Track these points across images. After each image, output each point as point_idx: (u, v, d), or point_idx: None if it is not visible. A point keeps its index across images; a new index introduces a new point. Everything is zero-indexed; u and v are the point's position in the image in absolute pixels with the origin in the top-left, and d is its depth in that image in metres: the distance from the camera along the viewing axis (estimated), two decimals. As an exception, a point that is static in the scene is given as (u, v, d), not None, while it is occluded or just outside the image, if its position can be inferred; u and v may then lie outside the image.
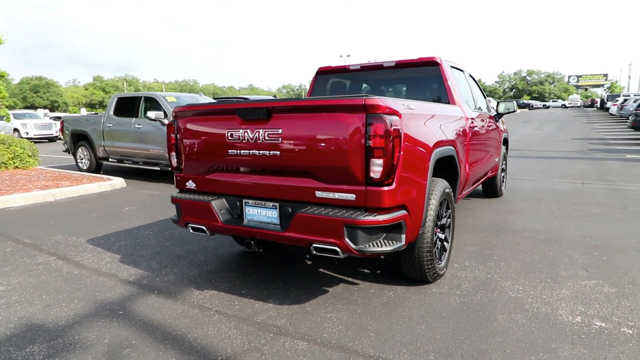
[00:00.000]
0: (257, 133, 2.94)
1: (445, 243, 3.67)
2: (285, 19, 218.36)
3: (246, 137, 3.00)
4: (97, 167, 10.64)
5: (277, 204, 3.02)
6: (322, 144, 2.73)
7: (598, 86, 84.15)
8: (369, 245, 2.67)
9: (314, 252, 2.80)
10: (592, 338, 2.66)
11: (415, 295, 3.32)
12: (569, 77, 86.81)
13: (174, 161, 3.54)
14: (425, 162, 3.05)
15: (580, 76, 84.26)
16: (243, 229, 3.13)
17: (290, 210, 2.96)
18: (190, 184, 3.47)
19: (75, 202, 7.27)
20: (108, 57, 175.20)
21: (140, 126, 9.31)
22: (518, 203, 6.45)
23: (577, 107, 62.73)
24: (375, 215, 2.64)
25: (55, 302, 3.31)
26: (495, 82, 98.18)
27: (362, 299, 3.27)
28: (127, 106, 9.85)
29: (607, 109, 37.54)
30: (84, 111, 57.19)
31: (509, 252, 4.24)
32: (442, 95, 4.30)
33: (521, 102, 64.08)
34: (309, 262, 4.10)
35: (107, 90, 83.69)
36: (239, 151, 3.07)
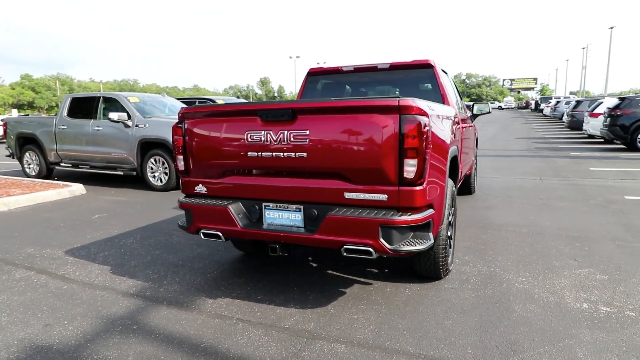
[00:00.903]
0: (282, 134, 2.88)
1: (450, 240, 3.79)
2: (230, 18, 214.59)
3: (269, 139, 2.92)
4: (48, 172, 9.88)
5: (302, 207, 2.98)
6: (354, 145, 2.72)
7: (529, 89, 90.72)
8: (402, 245, 2.70)
9: (345, 253, 2.79)
10: (604, 322, 2.87)
11: (431, 291, 3.40)
12: (504, 80, 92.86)
13: (181, 165, 3.37)
14: (445, 161, 3.14)
15: (514, 79, 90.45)
16: (265, 233, 3.04)
17: (316, 212, 2.93)
18: (201, 189, 3.33)
19: (34, 211, 6.69)
20: (36, 55, 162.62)
21: (100, 128, 8.76)
22: (491, 199, 6.80)
23: (512, 108, 67.11)
24: (409, 215, 2.68)
25: (55, 321, 3.04)
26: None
27: (382, 298, 3.30)
28: (83, 107, 9.23)
29: (541, 110, 40.50)
30: (15, 112, 52.66)
31: (501, 246, 4.45)
32: (437, 96, 4.44)
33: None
34: (314, 265, 4.06)
35: (38, 90, 77.61)
36: (259, 153, 2.98)
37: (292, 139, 2.86)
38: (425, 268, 3.46)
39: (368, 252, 2.72)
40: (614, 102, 13.15)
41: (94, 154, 8.91)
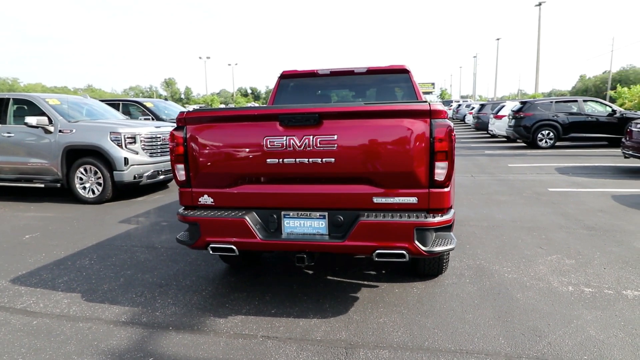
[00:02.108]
0: (307, 140, 2.77)
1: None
2: (130, 15, 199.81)
3: (292, 145, 2.80)
4: (-61, 188, 8.30)
5: (326, 214, 2.90)
6: (384, 150, 2.72)
7: (428, 93, 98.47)
8: (434, 246, 2.77)
9: (376, 258, 2.78)
10: (593, 302, 3.24)
11: (436, 288, 3.53)
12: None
13: (181, 174, 3.08)
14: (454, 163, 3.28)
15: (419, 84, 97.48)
16: (289, 243, 2.90)
17: (341, 218, 2.87)
18: (206, 200, 3.07)
19: (-60, 235, 5.59)
20: None
21: (11, 135, 7.61)
22: (440, 197, 7.24)
23: None
24: (441, 216, 2.76)
25: (45, 364, 2.58)
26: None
27: (395, 299, 3.35)
28: (-13, 110, 7.92)
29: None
30: None
31: (474, 240, 4.78)
32: (412, 99, 4.62)
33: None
34: (309, 272, 3.98)
35: None
36: (280, 160, 2.84)
37: (318, 145, 2.77)
38: (429, 267, 3.59)
39: (401, 255, 2.74)
40: (516, 105, 14.83)
41: (2, 165, 7.70)
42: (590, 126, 13.61)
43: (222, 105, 64.60)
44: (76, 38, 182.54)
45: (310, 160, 2.80)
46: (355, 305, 3.26)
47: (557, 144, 14.08)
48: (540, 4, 35.48)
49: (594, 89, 76.39)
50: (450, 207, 2.89)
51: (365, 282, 3.70)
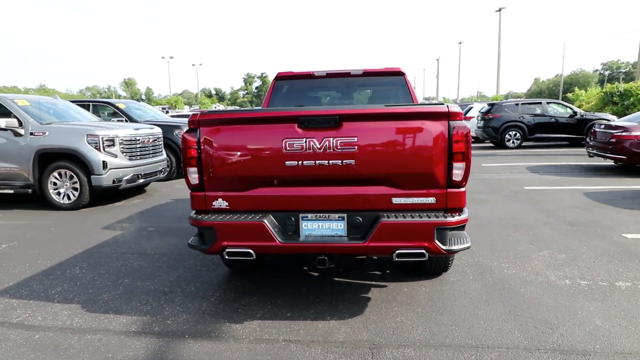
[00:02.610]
0: (327, 142, 2.78)
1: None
2: (86, 12, 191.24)
3: (312, 147, 2.79)
4: None
5: (345, 215, 2.91)
6: (404, 151, 2.77)
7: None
8: (452, 244, 2.85)
9: (396, 258, 2.82)
10: (591, 293, 3.42)
11: (443, 286, 3.62)
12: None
13: (194, 178, 3.00)
14: None
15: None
16: (309, 246, 2.89)
17: (360, 219, 2.89)
18: (220, 203, 3.00)
19: None
20: None
21: (-24, 138, 7.13)
22: (424, 196, 7.41)
23: None
24: (459, 215, 2.84)
25: (60, 379, 2.44)
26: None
27: (407, 297, 3.41)
28: (-53, 112, 7.39)
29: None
30: None
31: (467, 238, 4.92)
32: (408, 101, 4.71)
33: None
34: (314, 274, 3.98)
35: None
36: (299, 162, 2.82)
37: (339, 146, 2.77)
38: (436, 265, 3.67)
39: (421, 255, 2.79)
40: (484, 107, 15.39)
41: (-34, 170, 7.21)
42: (553, 127, 14.33)
43: (187, 107, 63.07)
44: (25, 35, 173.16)
45: (331, 162, 2.80)
46: (370, 306, 3.29)
47: (523, 144, 14.73)
48: (500, 10, 37.05)
49: (547, 92, 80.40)
50: (464, 207, 2.97)
51: (373, 282, 3.74)
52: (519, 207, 6.43)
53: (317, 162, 2.81)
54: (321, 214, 2.94)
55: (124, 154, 7.31)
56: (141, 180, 7.67)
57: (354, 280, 3.79)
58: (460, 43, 55.75)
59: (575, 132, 14.15)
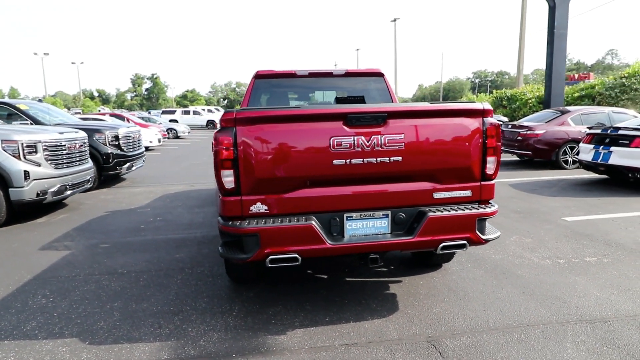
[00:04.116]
0: (376, 139, 2.76)
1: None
2: None
3: (360, 144, 2.75)
4: None
5: (389, 212, 2.92)
6: (445, 146, 2.87)
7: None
8: (488, 234, 3.03)
9: (440, 251, 2.91)
10: (574, 269, 3.91)
11: (451, 275, 3.83)
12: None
13: (229, 181, 2.74)
14: None
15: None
16: (356, 246, 2.83)
17: (403, 216, 2.93)
18: (259, 208, 2.79)
19: None
20: None
21: None
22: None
23: None
24: (492, 207, 3.03)
25: None
26: (209, 91, 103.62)
27: (429, 290, 3.53)
28: None
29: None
30: None
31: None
32: (388, 101, 4.87)
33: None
34: (324, 276, 3.91)
35: None
36: (347, 160, 2.76)
37: (387, 143, 2.78)
38: (444, 256, 3.86)
39: (463, 246, 2.93)
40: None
41: None
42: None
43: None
44: None
45: (379, 159, 2.79)
46: (400, 301, 3.34)
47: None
48: (395, 20, 40.04)
49: (429, 97, 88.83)
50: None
51: (386, 279, 3.79)
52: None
53: (365, 160, 2.78)
54: (365, 213, 2.90)
55: (49, 162, 6.32)
56: (69, 192, 6.70)
57: (367, 279, 3.81)
58: (357, 50, 58.80)
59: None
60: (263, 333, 2.90)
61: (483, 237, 2.95)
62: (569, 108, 10.95)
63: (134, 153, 9.67)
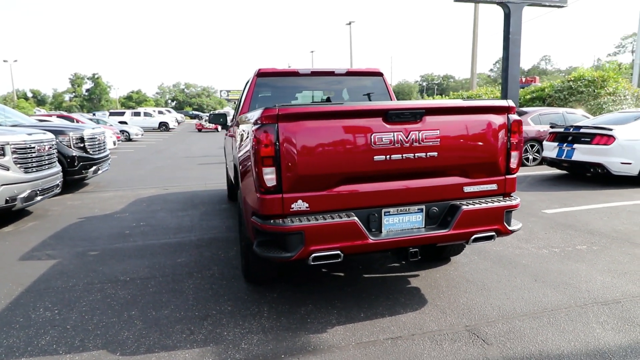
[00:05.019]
0: (414, 135, 2.82)
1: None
2: None
3: (400, 140, 2.79)
4: None
5: (423, 207, 2.98)
6: (476, 142, 2.99)
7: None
8: (513, 225, 3.18)
9: (471, 243, 3.02)
10: (570, 257, 4.19)
11: (464, 267, 3.97)
12: (221, 91, 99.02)
13: (270, 179, 2.68)
14: None
15: (230, 91, 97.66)
16: (393, 241, 2.86)
17: (436, 209, 3.01)
18: (300, 205, 2.75)
19: None
20: None
21: None
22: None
23: None
24: (517, 199, 3.18)
25: None
26: (157, 93, 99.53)
27: (448, 282, 3.65)
28: None
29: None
30: None
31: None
32: (387, 99, 4.96)
33: (190, 113, 68.10)
34: (340, 274, 3.91)
35: None
36: (387, 156, 2.79)
37: (424, 139, 2.84)
38: (455, 249, 3.99)
39: (492, 237, 3.05)
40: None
41: None
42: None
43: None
44: None
45: (416, 155, 2.85)
46: (425, 294, 3.42)
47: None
48: (350, 23, 40.72)
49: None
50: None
51: (403, 274, 3.87)
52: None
53: (404, 155, 2.83)
54: (402, 208, 2.95)
55: (19, 165, 5.84)
56: (39, 198, 6.23)
57: (383, 275, 3.86)
58: (312, 52, 59.13)
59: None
60: (303, 332, 2.86)
61: (510, 228, 3.10)
62: (526, 109, 11.67)
63: (100, 156, 9.14)
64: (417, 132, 2.83)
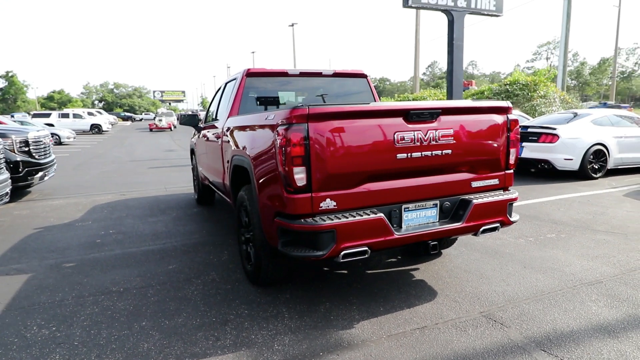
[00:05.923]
0: (432, 134, 2.96)
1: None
2: None
3: (419, 139, 2.92)
4: None
5: (437, 202, 3.14)
6: (482, 139, 3.20)
7: (179, 101, 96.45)
8: (513, 217, 3.43)
9: (480, 234, 3.23)
10: (547, 245, 4.58)
11: (457, 259, 4.21)
12: (154, 92, 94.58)
13: (300, 178, 2.68)
14: None
15: (164, 91, 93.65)
16: (413, 235, 2.98)
17: (448, 204, 3.18)
18: (329, 204, 2.78)
19: None
20: None
21: None
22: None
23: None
24: (515, 192, 3.44)
25: None
26: (82, 93, 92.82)
27: (448, 274, 3.85)
28: None
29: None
30: None
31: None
32: (371, 100, 5.10)
33: (122, 114, 64.34)
34: (344, 272, 3.98)
35: None
36: (408, 154, 2.91)
37: (440, 138, 3.00)
38: (450, 243, 4.21)
39: (496, 229, 3.28)
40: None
41: None
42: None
43: None
44: None
45: (433, 152, 3.00)
46: (433, 285, 3.59)
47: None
48: (293, 25, 40.78)
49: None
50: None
51: (404, 268, 4.02)
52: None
53: (422, 153, 2.96)
54: (419, 203, 3.08)
55: (-33, 172, 5.24)
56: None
57: (385, 270, 3.98)
58: (253, 52, 58.43)
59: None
60: (332, 329, 2.89)
61: (512, 219, 3.35)
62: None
63: (46, 160, 8.41)
64: (434, 130, 2.98)
